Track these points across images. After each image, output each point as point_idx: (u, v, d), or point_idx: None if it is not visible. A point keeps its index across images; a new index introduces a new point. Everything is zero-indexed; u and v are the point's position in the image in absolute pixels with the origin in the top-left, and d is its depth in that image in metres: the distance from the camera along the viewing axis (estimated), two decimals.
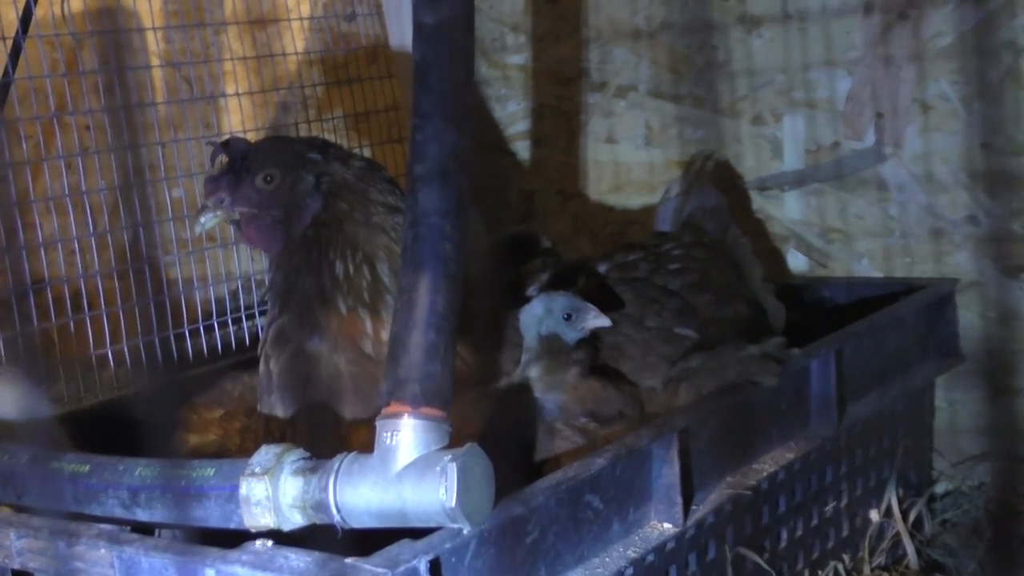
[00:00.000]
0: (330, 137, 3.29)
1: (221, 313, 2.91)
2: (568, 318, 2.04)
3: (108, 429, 2.01)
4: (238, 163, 2.03)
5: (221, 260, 3.03)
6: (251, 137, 3.00)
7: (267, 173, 2.01)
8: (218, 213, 2.02)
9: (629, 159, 3.23)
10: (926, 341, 2.67)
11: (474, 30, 1.65)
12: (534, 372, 2.02)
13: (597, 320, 2.06)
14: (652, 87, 3.16)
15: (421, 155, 1.62)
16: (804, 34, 2.92)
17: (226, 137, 2.11)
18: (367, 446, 1.58)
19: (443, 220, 1.60)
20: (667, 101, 3.14)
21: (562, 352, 2.03)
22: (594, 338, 2.12)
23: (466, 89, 1.63)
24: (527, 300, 2.17)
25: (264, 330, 2.06)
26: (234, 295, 2.97)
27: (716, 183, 2.77)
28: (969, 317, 2.80)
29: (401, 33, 3.31)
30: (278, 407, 2.01)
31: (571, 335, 2.05)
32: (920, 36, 2.77)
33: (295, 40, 3.21)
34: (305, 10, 3.35)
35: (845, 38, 2.87)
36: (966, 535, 2.60)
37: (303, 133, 3.25)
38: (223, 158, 2.05)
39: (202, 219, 2.02)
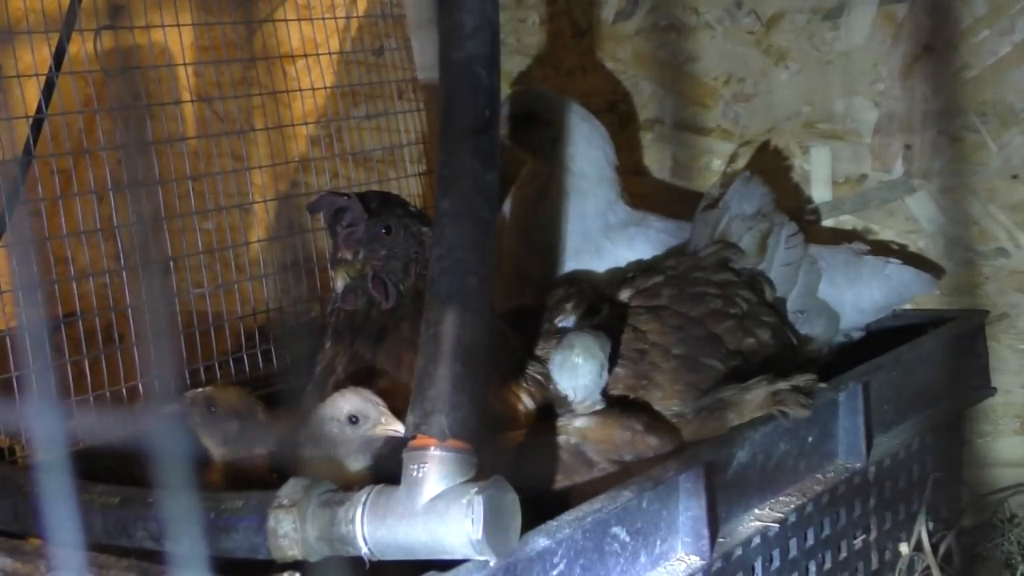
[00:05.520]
0: (360, 170, 3.31)
1: (251, 345, 2.92)
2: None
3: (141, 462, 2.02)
4: (367, 215, 2.04)
5: (250, 292, 3.04)
6: (279, 171, 3.03)
7: (385, 225, 2.05)
8: (356, 265, 2.04)
9: (657, 191, 3.23)
10: (956, 373, 2.65)
11: (500, 66, 1.67)
12: (581, 423, 2.03)
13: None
14: (679, 120, 3.17)
15: (447, 190, 1.63)
16: (830, 66, 2.92)
17: (344, 192, 2.10)
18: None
19: (469, 254, 1.61)
20: (694, 134, 3.15)
21: (611, 413, 2.05)
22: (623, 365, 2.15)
23: (492, 124, 1.64)
24: (551, 331, 2.19)
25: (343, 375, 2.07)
26: (264, 327, 2.98)
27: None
28: (999, 349, 2.78)
29: (429, 66, 3.33)
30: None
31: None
32: (947, 69, 2.77)
33: (324, 74, 3.24)
34: (335, 44, 3.38)
35: (872, 70, 2.87)
36: (997, 568, 2.58)
37: (331, 166, 3.27)
38: (326, 213, 2.06)
39: (345, 271, 2.05)
